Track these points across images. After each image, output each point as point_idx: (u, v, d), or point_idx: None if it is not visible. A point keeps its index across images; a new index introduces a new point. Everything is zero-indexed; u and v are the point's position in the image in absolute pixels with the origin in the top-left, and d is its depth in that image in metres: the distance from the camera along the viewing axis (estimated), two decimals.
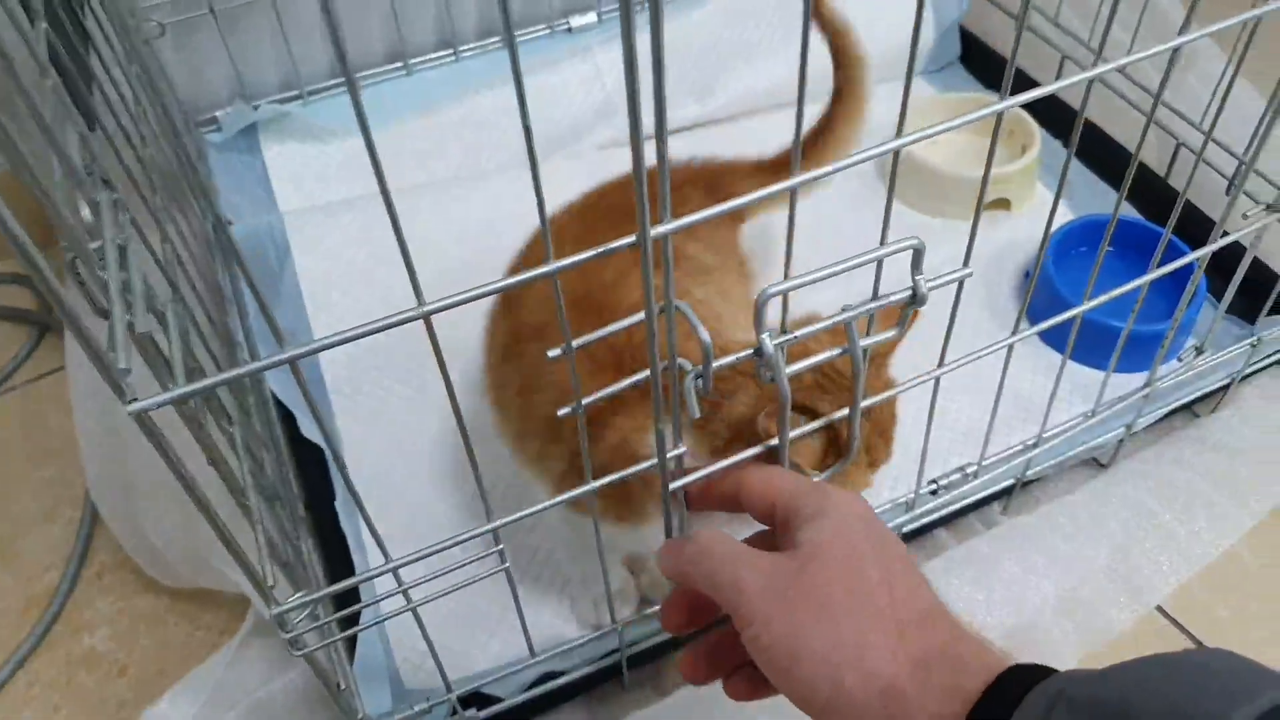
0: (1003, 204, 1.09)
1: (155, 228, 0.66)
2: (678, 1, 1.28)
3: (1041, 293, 0.97)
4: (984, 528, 0.86)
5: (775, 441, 0.57)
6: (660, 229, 0.44)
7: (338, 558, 0.79)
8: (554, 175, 1.08)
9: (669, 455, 0.54)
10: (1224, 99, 0.62)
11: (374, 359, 0.93)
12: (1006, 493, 0.86)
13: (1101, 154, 1.11)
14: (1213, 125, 0.63)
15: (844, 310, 0.52)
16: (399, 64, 1.19)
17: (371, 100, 1.18)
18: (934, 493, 0.78)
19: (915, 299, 0.53)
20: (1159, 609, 0.82)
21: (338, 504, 0.78)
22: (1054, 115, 1.14)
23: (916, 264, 0.52)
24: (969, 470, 0.78)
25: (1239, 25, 0.58)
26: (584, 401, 0.50)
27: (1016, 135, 1.13)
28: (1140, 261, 0.68)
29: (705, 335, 0.49)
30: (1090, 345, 0.90)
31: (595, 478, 0.56)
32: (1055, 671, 0.43)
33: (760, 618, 0.47)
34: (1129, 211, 1.07)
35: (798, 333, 0.52)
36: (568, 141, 1.16)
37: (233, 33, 1.10)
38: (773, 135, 1.21)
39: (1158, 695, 0.38)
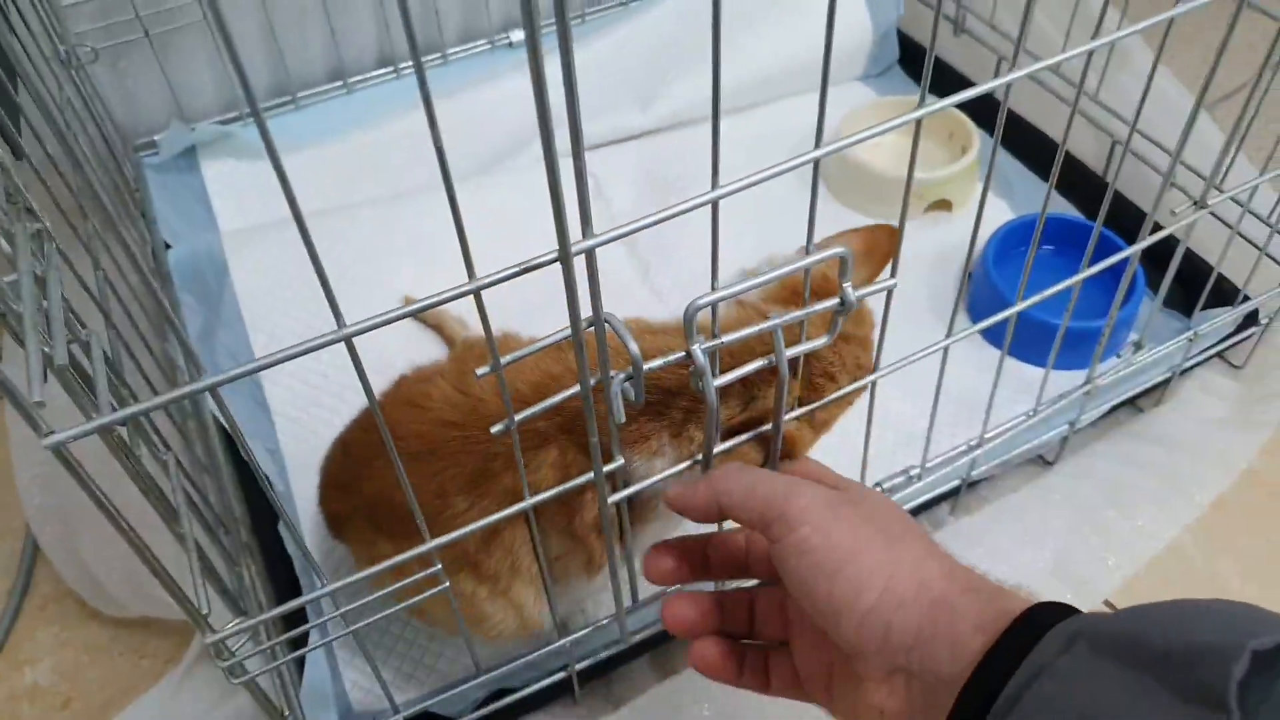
0: (945, 205, 1.10)
1: (88, 256, 0.65)
2: (616, 12, 1.29)
3: (983, 292, 0.99)
4: (932, 529, 0.87)
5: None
6: (585, 243, 0.44)
7: (286, 580, 0.78)
8: (496, 187, 1.10)
9: (604, 470, 0.54)
10: (1145, 93, 0.64)
11: (316, 379, 0.92)
12: (954, 493, 0.86)
13: (1043, 155, 1.13)
14: (1136, 116, 0.64)
15: (772, 318, 0.53)
16: (339, 82, 1.19)
17: (314, 119, 1.18)
18: None
19: (844, 306, 0.53)
20: (1107, 603, 0.83)
21: (280, 526, 0.78)
22: (994, 116, 1.15)
23: (843, 272, 0.53)
24: (912, 473, 0.78)
25: (1162, 24, 0.59)
26: (516, 418, 0.50)
27: (957, 137, 1.14)
28: (1082, 259, 0.70)
29: (634, 347, 0.49)
30: (1033, 343, 0.91)
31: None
32: (1078, 611, 0.44)
33: (814, 522, 0.48)
34: (1071, 211, 1.09)
35: (725, 338, 0.52)
36: (510, 154, 1.16)
37: (168, 55, 1.09)
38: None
39: (1173, 631, 0.38)
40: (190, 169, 1.11)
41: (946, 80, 1.25)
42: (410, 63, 1.21)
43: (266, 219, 1.05)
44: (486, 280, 0.44)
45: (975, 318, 1.00)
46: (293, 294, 0.96)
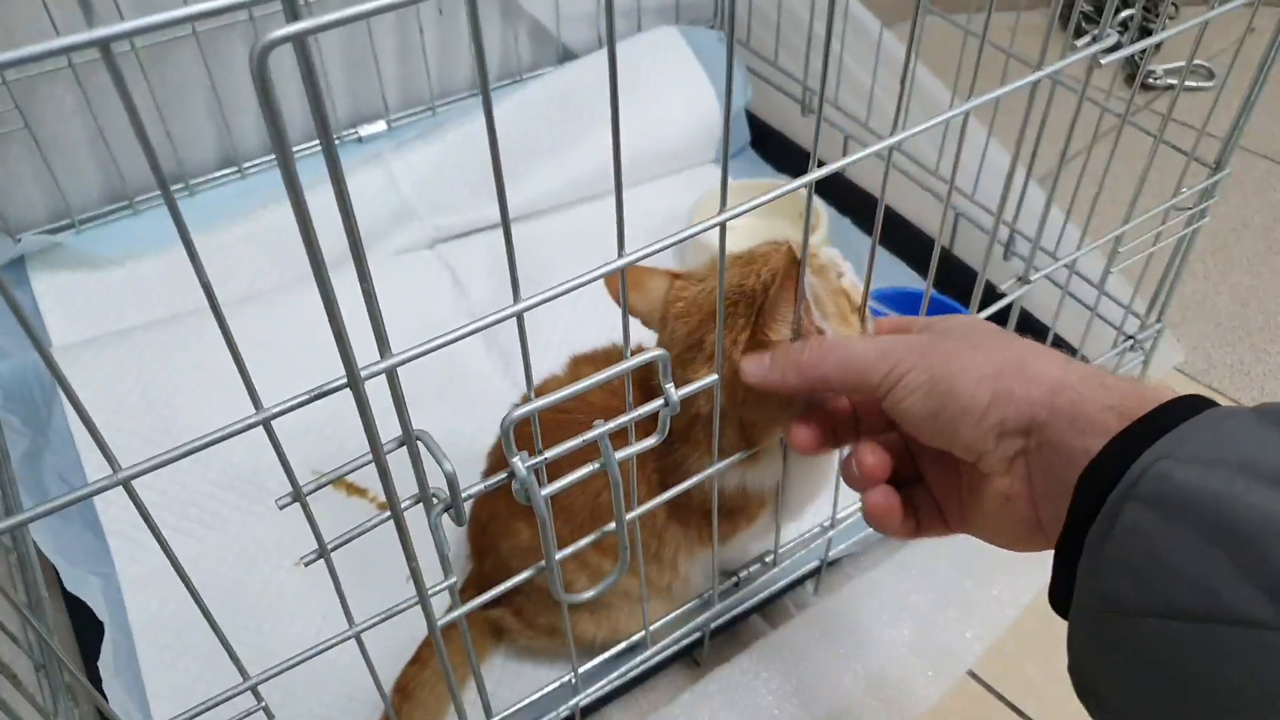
0: None
1: None
2: (470, 102, 1.30)
3: None
4: (797, 609, 0.86)
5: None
6: (380, 364, 0.43)
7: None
8: (353, 283, 1.07)
9: (427, 592, 0.52)
10: (958, 153, 0.66)
11: (154, 495, 0.87)
12: (816, 573, 0.86)
13: (895, 230, 1.16)
14: (954, 173, 0.67)
15: (596, 425, 0.52)
16: (180, 184, 1.15)
17: (153, 224, 1.14)
18: (736, 585, 0.77)
19: (667, 406, 0.53)
20: (971, 674, 0.83)
21: (100, 664, 0.73)
22: (842, 194, 1.18)
23: (665, 373, 0.52)
24: (767, 559, 0.78)
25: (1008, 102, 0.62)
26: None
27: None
28: None
29: (449, 466, 0.47)
30: None
31: None
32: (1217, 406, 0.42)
33: (912, 364, 0.50)
34: (921, 284, 1.11)
35: (549, 453, 0.51)
36: (365, 248, 1.14)
37: None
38: (572, 228, 1.22)
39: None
40: (18, 283, 1.05)
41: (796, 160, 1.28)
42: (252, 162, 1.20)
43: (103, 330, 1.01)
44: (275, 410, 0.42)
45: None
46: (127, 409, 0.91)
